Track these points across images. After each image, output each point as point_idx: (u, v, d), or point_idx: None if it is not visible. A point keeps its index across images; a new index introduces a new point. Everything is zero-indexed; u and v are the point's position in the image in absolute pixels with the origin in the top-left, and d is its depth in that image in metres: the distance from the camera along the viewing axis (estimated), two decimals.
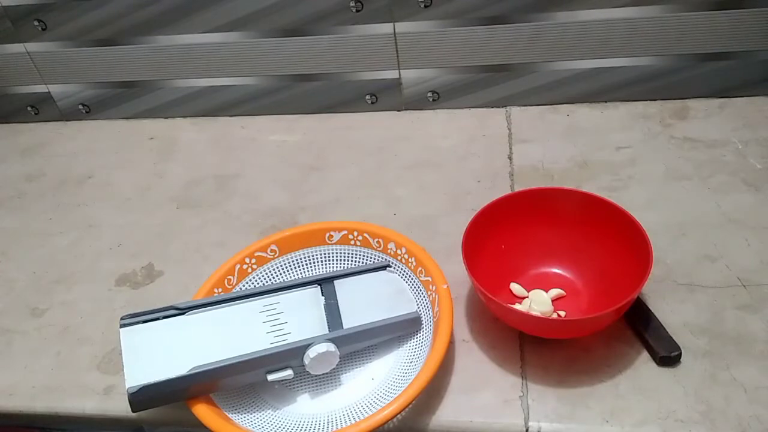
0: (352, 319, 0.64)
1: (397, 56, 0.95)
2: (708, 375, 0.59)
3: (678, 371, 0.60)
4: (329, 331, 0.63)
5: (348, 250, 0.73)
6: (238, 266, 0.71)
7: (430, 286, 0.66)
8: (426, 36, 0.92)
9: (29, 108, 1.11)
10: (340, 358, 0.62)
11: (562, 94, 0.96)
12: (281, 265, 0.73)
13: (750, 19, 0.84)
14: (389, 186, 0.88)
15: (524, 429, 0.57)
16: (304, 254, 0.73)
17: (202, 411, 0.57)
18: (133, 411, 0.57)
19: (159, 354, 0.60)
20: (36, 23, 0.99)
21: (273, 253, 0.73)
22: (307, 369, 0.61)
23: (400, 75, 0.97)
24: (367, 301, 0.67)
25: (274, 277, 0.73)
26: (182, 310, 0.63)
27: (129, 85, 1.05)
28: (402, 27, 0.91)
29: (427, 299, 0.66)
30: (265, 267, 0.72)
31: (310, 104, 1.03)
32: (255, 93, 1.03)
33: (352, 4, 0.90)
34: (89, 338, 0.72)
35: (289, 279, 0.73)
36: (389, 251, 0.71)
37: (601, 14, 0.86)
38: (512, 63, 0.93)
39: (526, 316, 0.62)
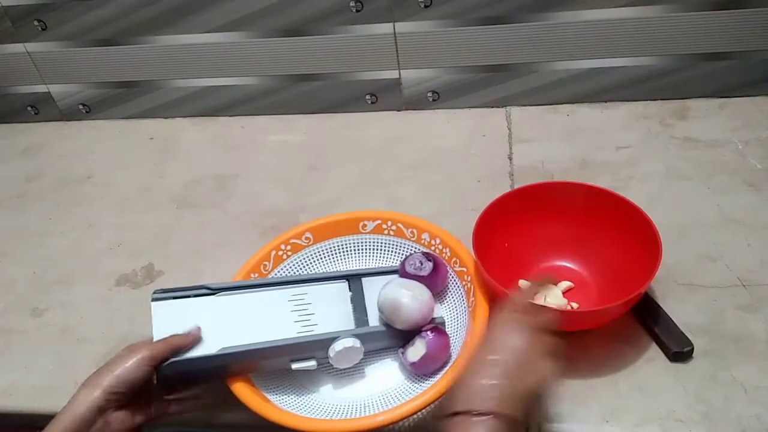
0: (377, 316, 0.65)
1: (397, 56, 0.95)
2: (708, 375, 0.59)
3: (678, 371, 0.60)
4: (355, 326, 0.64)
5: (381, 239, 0.73)
6: (273, 252, 0.71)
7: (465, 276, 0.66)
8: (426, 36, 0.91)
9: (29, 108, 1.11)
10: (363, 354, 0.62)
11: (562, 94, 0.95)
12: (314, 254, 0.73)
13: (750, 19, 0.84)
14: (389, 186, 0.88)
15: (524, 429, 0.57)
16: (337, 243, 0.74)
17: (240, 389, 0.58)
18: (160, 386, 0.57)
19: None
20: (36, 23, 0.99)
21: (308, 241, 0.73)
22: (330, 362, 0.61)
23: (400, 75, 0.97)
24: None
25: (307, 265, 0.73)
26: (213, 291, 0.64)
27: (129, 85, 1.05)
28: (402, 27, 0.91)
29: (462, 289, 0.66)
30: (300, 254, 0.73)
31: (310, 104, 1.03)
32: (255, 93, 1.03)
33: (352, 4, 0.90)
34: (89, 338, 0.72)
35: (322, 267, 0.73)
36: (423, 241, 0.71)
37: (601, 14, 0.86)
38: (512, 63, 0.93)
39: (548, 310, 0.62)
